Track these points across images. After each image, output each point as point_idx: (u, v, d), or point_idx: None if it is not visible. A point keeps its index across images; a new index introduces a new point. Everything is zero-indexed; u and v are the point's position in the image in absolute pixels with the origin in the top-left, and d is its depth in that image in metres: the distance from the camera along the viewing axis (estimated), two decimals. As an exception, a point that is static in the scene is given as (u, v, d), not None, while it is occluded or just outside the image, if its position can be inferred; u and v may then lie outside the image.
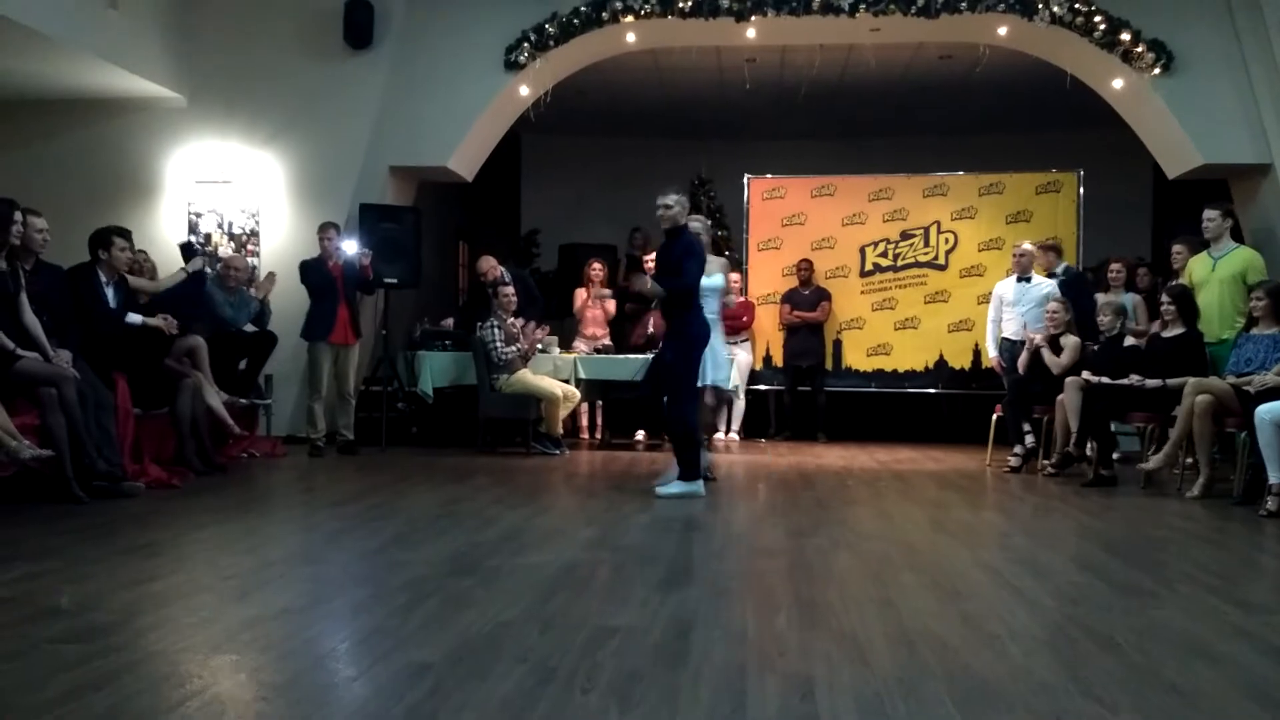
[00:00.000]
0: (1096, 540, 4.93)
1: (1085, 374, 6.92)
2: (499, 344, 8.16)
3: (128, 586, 3.52)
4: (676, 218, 5.99)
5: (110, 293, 6.33)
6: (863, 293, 9.91)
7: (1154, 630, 3.12)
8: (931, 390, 9.78)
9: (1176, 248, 7.72)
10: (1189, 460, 6.42)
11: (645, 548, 4.50)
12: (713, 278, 6.47)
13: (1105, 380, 6.77)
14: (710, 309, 6.45)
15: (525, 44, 8.68)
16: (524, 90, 9.01)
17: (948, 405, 9.92)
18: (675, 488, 5.89)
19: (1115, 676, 2.66)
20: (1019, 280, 8.37)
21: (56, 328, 5.66)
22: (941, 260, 9.82)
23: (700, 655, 2.78)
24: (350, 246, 8.10)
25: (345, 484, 6.53)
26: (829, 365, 9.78)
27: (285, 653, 2.83)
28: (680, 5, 8.46)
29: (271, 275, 8.07)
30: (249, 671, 2.64)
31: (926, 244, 9.82)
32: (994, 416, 7.84)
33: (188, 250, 7.45)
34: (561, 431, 8.37)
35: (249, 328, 7.76)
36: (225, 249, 8.87)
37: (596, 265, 9.67)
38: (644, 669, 2.64)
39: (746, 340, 9.78)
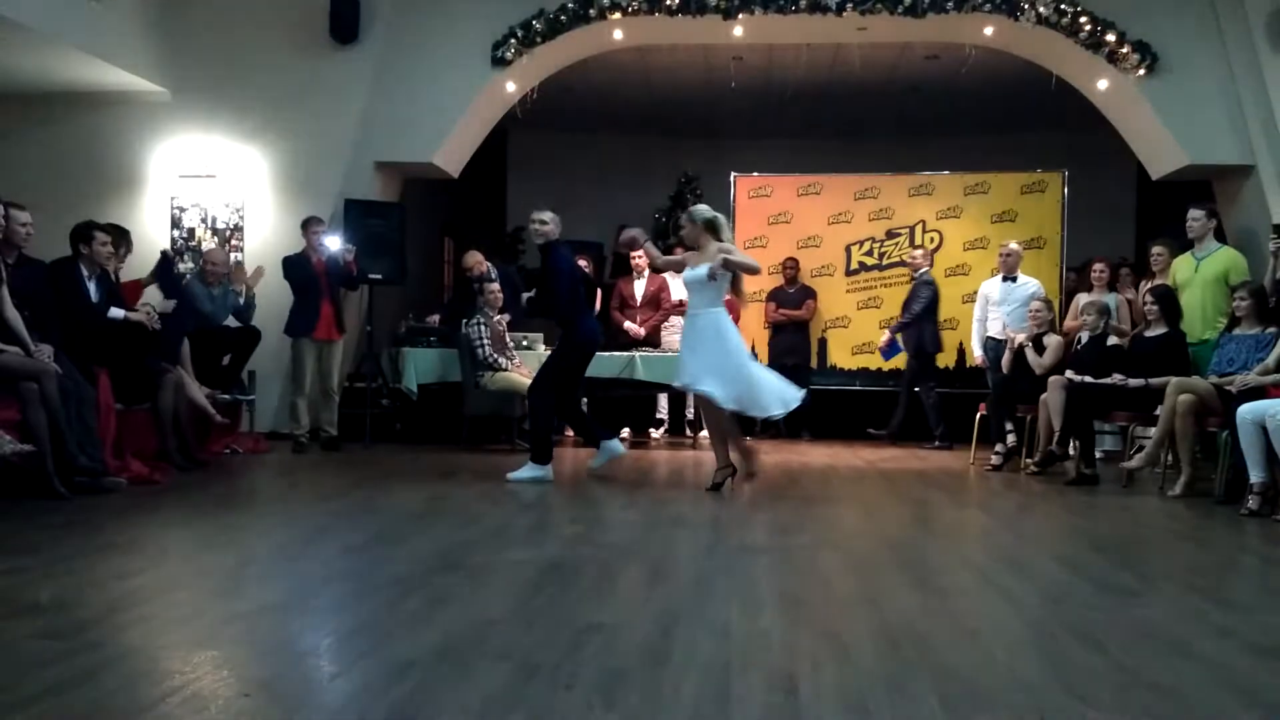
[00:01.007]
0: (1079, 539, 4.95)
1: (1069, 373, 6.95)
2: (484, 341, 8.13)
3: (108, 582, 3.50)
4: (550, 234, 6.42)
5: (92, 287, 6.29)
6: (848, 291, 9.94)
7: (1137, 628, 3.13)
8: (915, 389, 9.79)
9: (1156, 249, 7.74)
10: (1170, 459, 6.46)
11: (629, 544, 4.49)
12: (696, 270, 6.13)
13: (1088, 379, 6.80)
14: (707, 301, 6.10)
15: (512, 40, 8.66)
16: (511, 86, 8.99)
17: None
18: (525, 472, 6.26)
19: (1098, 674, 2.67)
20: (1004, 280, 8.41)
21: (38, 322, 5.62)
22: (927, 259, 9.83)
23: (684, 652, 2.77)
24: (333, 243, 8.06)
25: (328, 480, 6.50)
26: (814, 363, 9.80)
27: (267, 649, 2.82)
28: (667, 3, 8.45)
29: (259, 269, 8.03)
30: (230, 668, 2.62)
31: (912, 243, 9.84)
32: (978, 415, 7.87)
33: (165, 262, 7.40)
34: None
35: (231, 322, 7.72)
36: (208, 243, 8.82)
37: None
38: (628, 666, 2.64)
39: (732, 338, 9.76)
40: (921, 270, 9.27)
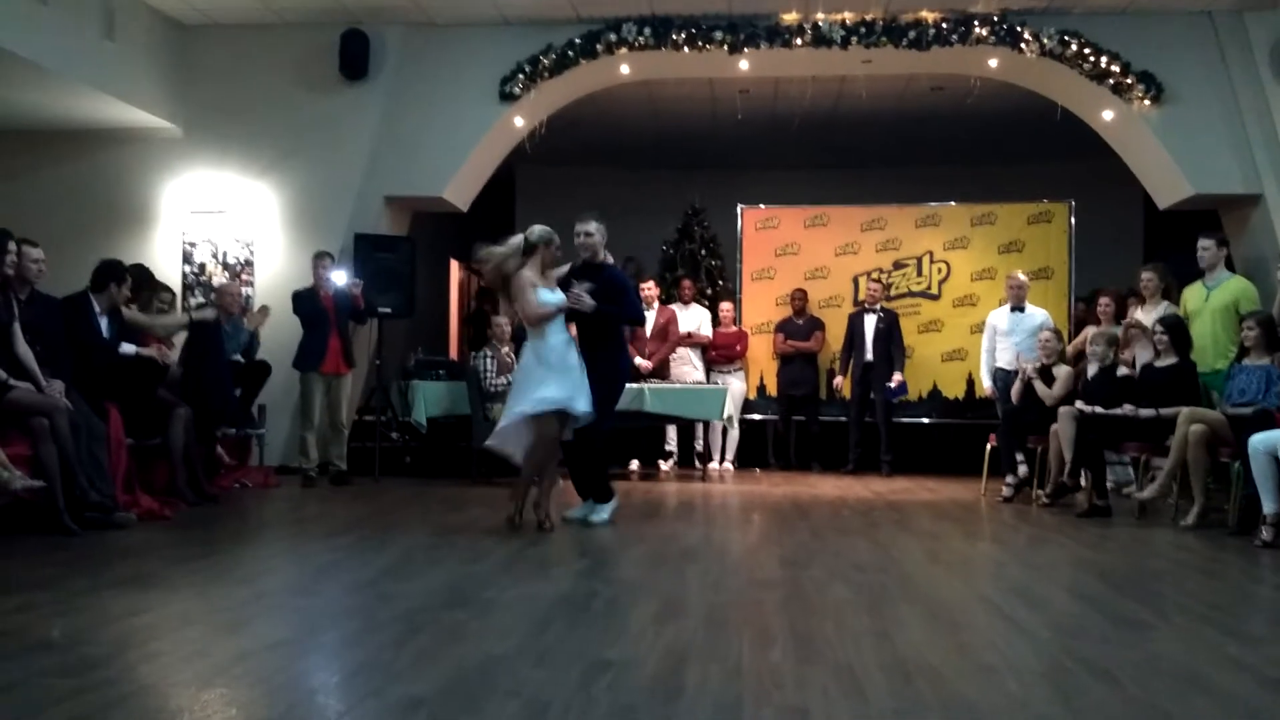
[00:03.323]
0: (1092, 571, 4.92)
1: (1079, 403, 6.93)
2: (491, 373, 8.15)
3: (119, 619, 3.50)
4: (597, 248, 5.87)
5: (104, 323, 6.32)
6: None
7: (1151, 662, 3.10)
8: (925, 420, 9.79)
9: (1145, 274, 7.66)
10: (1179, 489, 6.43)
11: (639, 579, 4.48)
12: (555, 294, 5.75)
13: (1099, 410, 6.78)
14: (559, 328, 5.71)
15: (520, 75, 8.74)
16: (519, 121, 9.06)
17: (939, 434, 9.91)
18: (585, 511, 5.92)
19: (1112, 709, 2.65)
20: (1013, 310, 8.41)
21: (50, 358, 5.64)
22: (934, 290, 9.86)
23: (696, 689, 2.76)
24: (339, 277, 8.09)
25: (337, 515, 6.50)
26: (823, 395, 9.78)
27: (276, 686, 2.81)
28: (674, 38, 8.53)
29: (265, 309, 8.04)
30: (240, 706, 2.62)
31: (919, 274, 9.86)
32: (988, 446, 7.84)
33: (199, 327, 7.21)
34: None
35: (237, 358, 7.73)
36: (219, 278, 8.88)
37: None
38: (639, 703, 2.63)
39: (740, 370, 9.79)
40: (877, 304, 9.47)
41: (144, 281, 7.16)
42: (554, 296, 5.64)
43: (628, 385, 8.44)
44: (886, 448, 9.29)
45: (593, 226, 5.85)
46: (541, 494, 5.68)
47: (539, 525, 5.56)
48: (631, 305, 6.04)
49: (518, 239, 5.67)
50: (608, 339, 5.93)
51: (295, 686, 2.83)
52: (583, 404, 5.55)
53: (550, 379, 5.52)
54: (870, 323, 9.34)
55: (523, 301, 5.56)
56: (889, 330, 9.31)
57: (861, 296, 9.67)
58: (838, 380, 9.53)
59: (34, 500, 5.14)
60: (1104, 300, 8.16)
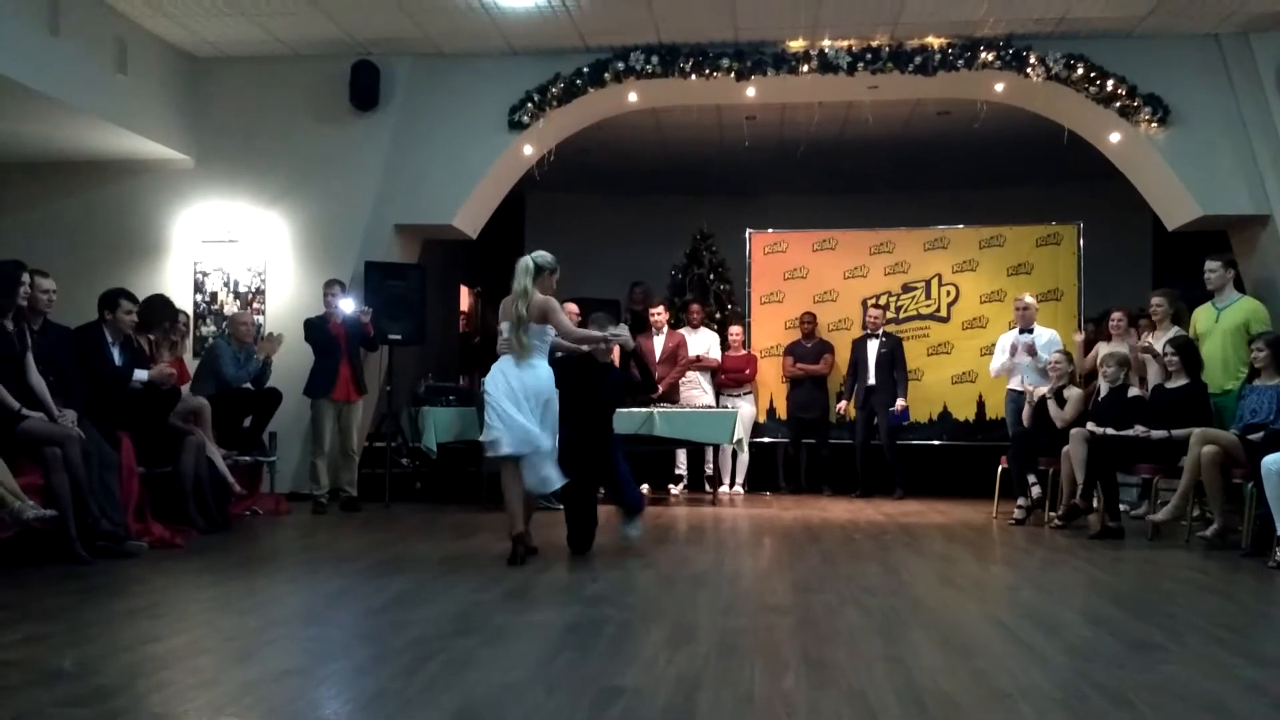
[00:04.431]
0: (1106, 594, 4.89)
1: (1090, 425, 6.91)
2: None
3: (130, 648, 3.50)
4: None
5: (116, 352, 6.36)
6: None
7: (1166, 686, 3.08)
8: (936, 442, 9.76)
9: (1155, 300, 7.65)
10: (1195, 511, 6.40)
11: (651, 604, 4.47)
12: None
13: (1110, 431, 6.76)
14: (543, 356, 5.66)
15: (529, 104, 8.80)
16: (528, 149, 9.12)
17: (950, 456, 9.87)
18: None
19: (1128, 735, 2.63)
20: (1021, 332, 8.40)
21: (62, 387, 5.68)
22: (943, 313, 9.86)
23: (708, 716, 2.75)
24: (348, 305, 8.13)
25: (348, 541, 6.50)
26: (832, 418, 9.77)
27: (287, 716, 2.81)
28: (681, 65, 8.59)
29: (276, 336, 8.07)
30: (252, 735, 2.62)
31: (928, 296, 9.86)
32: (999, 468, 7.81)
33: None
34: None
35: (247, 386, 7.76)
36: (231, 307, 8.93)
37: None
38: (651, 730, 2.62)
39: (750, 393, 9.79)
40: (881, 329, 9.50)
41: (162, 312, 7.18)
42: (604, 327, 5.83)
43: (637, 410, 8.52)
44: (894, 472, 9.27)
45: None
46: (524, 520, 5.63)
47: (529, 552, 5.54)
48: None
49: (522, 263, 5.66)
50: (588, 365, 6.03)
51: (306, 716, 2.83)
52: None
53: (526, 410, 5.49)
54: (873, 348, 9.35)
55: (559, 320, 5.50)
56: (891, 355, 9.32)
57: (866, 322, 9.68)
58: (841, 405, 9.52)
59: (46, 529, 5.16)
60: (1117, 315, 8.15)
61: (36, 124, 7.94)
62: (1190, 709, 2.84)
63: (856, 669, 3.26)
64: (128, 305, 6.41)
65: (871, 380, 9.29)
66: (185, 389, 7.17)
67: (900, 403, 9.24)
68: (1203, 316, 7.32)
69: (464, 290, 14.06)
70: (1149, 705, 2.86)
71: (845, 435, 9.73)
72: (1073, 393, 7.51)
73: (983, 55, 8.40)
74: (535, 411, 5.46)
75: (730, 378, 9.71)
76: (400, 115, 8.95)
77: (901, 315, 9.88)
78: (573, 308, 8.52)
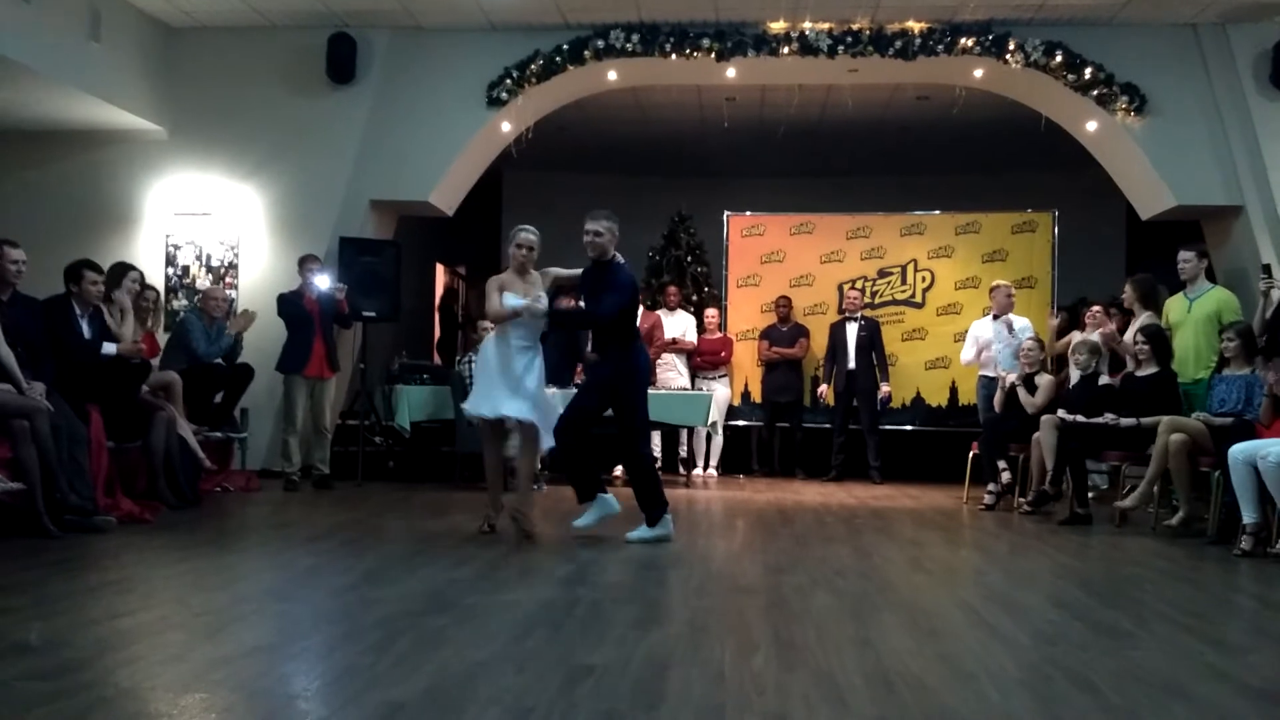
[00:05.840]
0: (1073, 579, 4.94)
1: (1060, 412, 6.97)
2: (475, 379, 8.11)
3: (98, 623, 3.48)
4: (605, 247, 5.59)
5: (85, 324, 6.29)
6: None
7: (1131, 670, 3.12)
8: (909, 427, 9.82)
9: (1126, 289, 7.73)
10: (1161, 499, 6.47)
11: (622, 585, 4.48)
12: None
13: (1080, 419, 6.82)
14: (522, 334, 5.65)
15: (507, 80, 8.74)
16: (506, 126, 9.06)
17: (922, 442, 9.94)
18: (644, 532, 5.58)
19: (1092, 717, 2.66)
20: (995, 319, 8.45)
21: (31, 359, 5.61)
22: (918, 298, 9.91)
23: (678, 695, 2.76)
24: (323, 281, 8.07)
25: (319, 519, 6.47)
26: (807, 401, 9.81)
27: (256, 691, 2.80)
28: (662, 45, 8.55)
29: (249, 313, 7.97)
30: (219, 711, 2.60)
31: (904, 282, 9.90)
32: (970, 454, 7.87)
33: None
34: (540, 467, 8.33)
35: (219, 362, 7.69)
36: (203, 281, 8.84)
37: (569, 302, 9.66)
38: (621, 709, 2.62)
39: (725, 376, 9.81)
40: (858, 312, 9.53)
41: (118, 271, 7.03)
42: (511, 300, 5.54)
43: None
44: (875, 456, 9.32)
45: (601, 225, 5.59)
46: (522, 501, 5.64)
47: (526, 536, 5.50)
48: (601, 304, 5.63)
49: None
50: (616, 338, 5.68)
51: (275, 692, 2.82)
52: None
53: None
54: (852, 331, 9.38)
55: (487, 301, 5.66)
56: (871, 339, 9.35)
57: (843, 305, 9.71)
58: (822, 389, 9.56)
59: (13, 503, 5.11)
60: (1095, 309, 8.20)
61: (7, 92, 7.81)
62: (1153, 693, 2.88)
63: (826, 650, 3.28)
64: (92, 275, 6.32)
65: (851, 364, 9.32)
66: (155, 362, 7.10)
67: (885, 387, 9.29)
68: (1175, 307, 7.37)
69: (439, 268, 13.99)
70: (1112, 689, 2.89)
71: (819, 419, 9.77)
72: (1044, 379, 7.57)
73: (962, 41, 8.42)
74: (509, 382, 5.55)
75: (706, 360, 9.72)
76: (377, 89, 8.87)
77: (877, 300, 9.91)
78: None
